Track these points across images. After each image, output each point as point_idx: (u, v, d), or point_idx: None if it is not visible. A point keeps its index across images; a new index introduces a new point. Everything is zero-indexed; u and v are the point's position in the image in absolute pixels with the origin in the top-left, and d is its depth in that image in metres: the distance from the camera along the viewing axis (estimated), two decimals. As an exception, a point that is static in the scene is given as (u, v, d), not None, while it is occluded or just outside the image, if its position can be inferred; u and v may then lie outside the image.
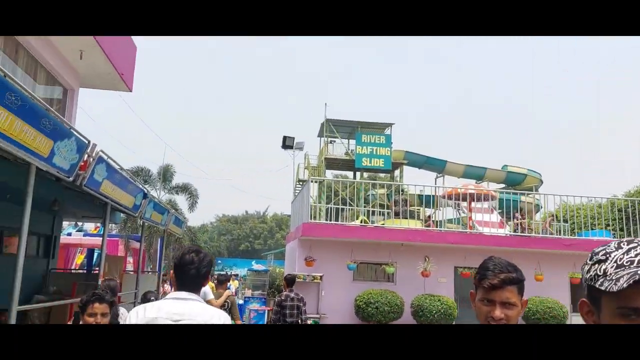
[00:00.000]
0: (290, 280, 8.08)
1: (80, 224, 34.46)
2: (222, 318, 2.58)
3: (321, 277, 12.41)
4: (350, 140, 28.05)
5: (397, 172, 27.38)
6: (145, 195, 6.92)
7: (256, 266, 19.45)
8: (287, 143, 19.72)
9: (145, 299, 5.68)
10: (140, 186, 6.75)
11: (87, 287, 8.67)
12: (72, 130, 4.08)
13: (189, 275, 2.57)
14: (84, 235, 22.63)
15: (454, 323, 12.13)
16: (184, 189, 23.39)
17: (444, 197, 15.58)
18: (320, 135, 27.92)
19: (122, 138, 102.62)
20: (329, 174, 32.12)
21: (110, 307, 3.21)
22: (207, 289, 7.72)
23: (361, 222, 15.95)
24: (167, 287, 17.93)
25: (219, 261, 52.48)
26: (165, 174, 23.25)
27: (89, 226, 32.43)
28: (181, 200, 24.62)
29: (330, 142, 28.03)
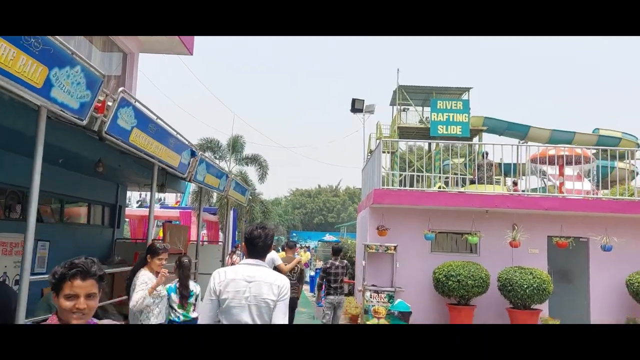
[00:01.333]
0: (336, 250, 8.74)
1: (162, 197, 35.65)
2: (283, 280, 3.11)
3: (395, 247, 11.35)
4: (424, 108, 26.53)
5: (475, 140, 25.60)
6: (193, 154, 6.16)
7: (327, 237, 18.71)
8: (357, 106, 18.54)
9: (180, 261, 5.58)
10: (187, 142, 5.99)
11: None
12: (75, 56, 3.26)
13: (258, 246, 3.16)
14: (161, 208, 23.04)
15: (548, 300, 10.68)
16: (254, 159, 22.92)
17: (533, 160, 13.88)
18: (392, 103, 26.50)
19: (187, 107, 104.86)
20: (402, 144, 30.79)
21: (99, 285, 2.18)
22: (275, 255, 8.27)
23: (439, 188, 14.64)
24: (235, 258, 17.65)
25: (294, 234, 52.80)
26: (235, 144, 22.89)
27: (171, 200, 33.29)
28: (252, 172, 24.31)
29: (404, 110, 26.63)
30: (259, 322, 2.98)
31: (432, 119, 23.90)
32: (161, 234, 21.42)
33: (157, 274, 4.92)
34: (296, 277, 8.20)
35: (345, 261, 8.81)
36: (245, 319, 2.97)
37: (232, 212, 24.48)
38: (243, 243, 3.39)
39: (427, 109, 25.44)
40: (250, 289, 3.00)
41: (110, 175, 10.25)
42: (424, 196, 11.54)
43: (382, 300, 11.04)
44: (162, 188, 9.11)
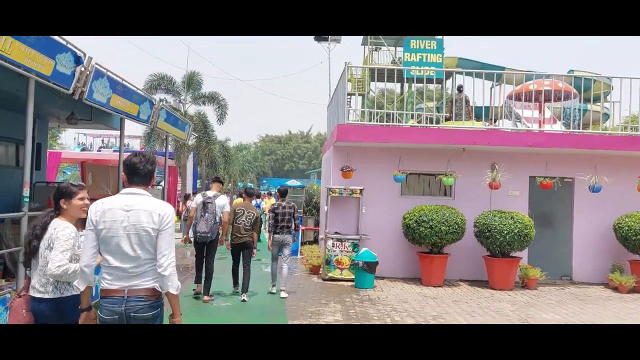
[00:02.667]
0: (283, 192, 8.80)
1: (127, 142, 33.49)
2: (165, 209, 2.93)
3: (361, 190, 10.03)
4: (397, 48, 25.14)
5: (449, 82, 24.34)
6: (78, 60, 4.51)
7: (291, 182, 17.34)
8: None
9: None
10: (64, 42, 4.34)
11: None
12: None
13: (140, 172, 2.98)
14: (115, 151, 21.16)
15: (528, 247, 9.62)
16: (212, 98, 20.98)
17: (517, 97, 12.62)
18: (364, 43, 24.94)
19: (137, 41, 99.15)
20: (373, 87, 29.47)
21: None
22: (226, 201, 7.93)
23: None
24: (190, 203, 16.20)
25: (264, 181, 51.41)
26: (191, 82, 20.86)
27: (136, 144, 31.20)
28: (212, 113, 22.45)
29: (376, 50, 25.18)
30: (139, 252, 2.86)
31: (405, 60, 22.49)
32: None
33: (80, 221, 3.64)
34: (250, 224, 7.91)
35: (292, 203, 8.64)
36: (125, 248, 2.86)
37: (191, 156, 22.80)
38: (123, 173, 3.11)
39: (400, 49, 24.07)
40: (129, 218, 2.88)
41: (18, 105, 8.49)
42: (393, 132, 10.13)
43: (345, 249, 9.80)
44: (72, 119, 7.42)
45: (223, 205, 7.71)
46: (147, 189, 3.01)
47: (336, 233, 10.07)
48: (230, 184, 34.49)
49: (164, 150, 22.25)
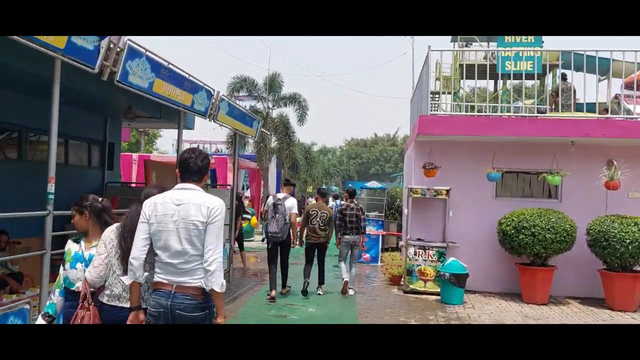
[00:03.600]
0: (351, 193, 9.05)
1: (219, 148, 33.97)
2: (215, 202, 2.88)
3: (448, 191, 8.81)
4: (490, 43, 23.38)
5: (549, 77, 22.11)
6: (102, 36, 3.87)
7: (371, 184, 16.34)
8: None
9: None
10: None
11: (126, 202, 6.35)
12: None
13: (190, 167, 2.99)
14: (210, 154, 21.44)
15: (658, 259, 7.87)
16: (292, 99, 20.51)
17: (627, 86, 10.79)
18: (453, 39, 23.54)
19: (218, 41, 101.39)
20: (465, 86, 27.82)
21: None
22: (294, 202, 8.02)
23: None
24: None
25: (350, 184, 50.74)
26: (272, 84, 20.54)
27: (225, 150, 31.60)
28: (293, 115, 22.01)
29: (467, 46, 23.61)
30: (188, 247, 2.83)
31: (500, 55, 20.75)
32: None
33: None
34: (325, 224, 8.33)
35: (361, 205, 8.94)
36: (174, 243, 2.84)
37: (274, 158, 22.54)
38: (177, 170, 3.06)
39: (493, 45, 22.33)
40: (179, 212, 2.88)
41: (84, 101, 8.30)
42: (485, 123, 8.78)
43: (430, 258, 8.63)
44: (128, 114, 6.97)
45: (291, 206, 7.91)
46: (200, 185, 2.99)
47: (419, 240, 8.92)
48: (313, 187, 34.08)
49: (246, 153, 22.18)
